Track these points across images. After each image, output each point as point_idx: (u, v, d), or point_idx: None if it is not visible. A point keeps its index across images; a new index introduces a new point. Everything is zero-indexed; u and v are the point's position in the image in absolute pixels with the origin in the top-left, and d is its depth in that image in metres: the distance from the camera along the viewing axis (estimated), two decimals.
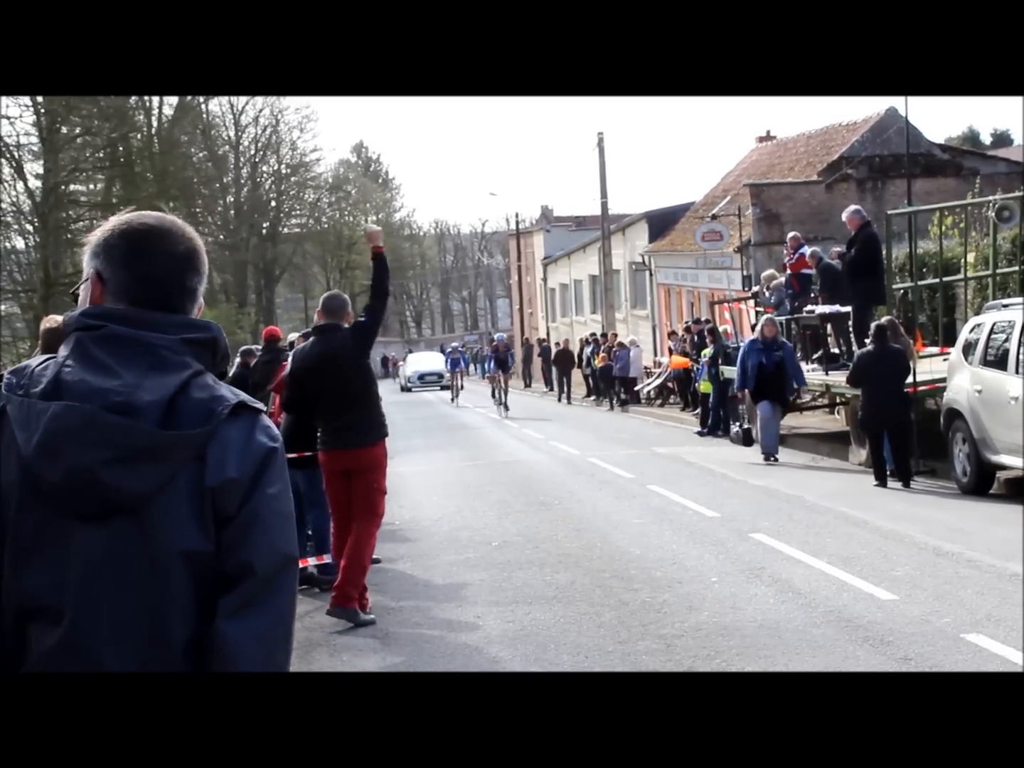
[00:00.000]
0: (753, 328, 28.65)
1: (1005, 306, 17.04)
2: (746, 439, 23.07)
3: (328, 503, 10.98)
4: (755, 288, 29.73)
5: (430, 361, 72.86)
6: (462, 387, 49.30)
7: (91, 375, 2.54)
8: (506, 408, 39.69)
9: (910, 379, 17.82)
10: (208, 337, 2.69)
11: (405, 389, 69.02)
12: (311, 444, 11.06)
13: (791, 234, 25.88)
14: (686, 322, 38.56)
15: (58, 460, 2.48)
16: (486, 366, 46.40)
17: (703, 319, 35.09)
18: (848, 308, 20.76)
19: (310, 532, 12.07)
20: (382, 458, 10.66)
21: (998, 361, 15.84)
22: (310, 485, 11.63)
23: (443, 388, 62.31)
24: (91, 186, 52.61)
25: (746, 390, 21.72)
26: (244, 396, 2.68)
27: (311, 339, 10.89)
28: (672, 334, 39.74)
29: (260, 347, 17.06)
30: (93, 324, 2.60)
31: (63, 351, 2.60)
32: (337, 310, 10.74)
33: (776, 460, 20.89)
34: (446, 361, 49.76)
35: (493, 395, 41.55)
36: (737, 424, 24.02)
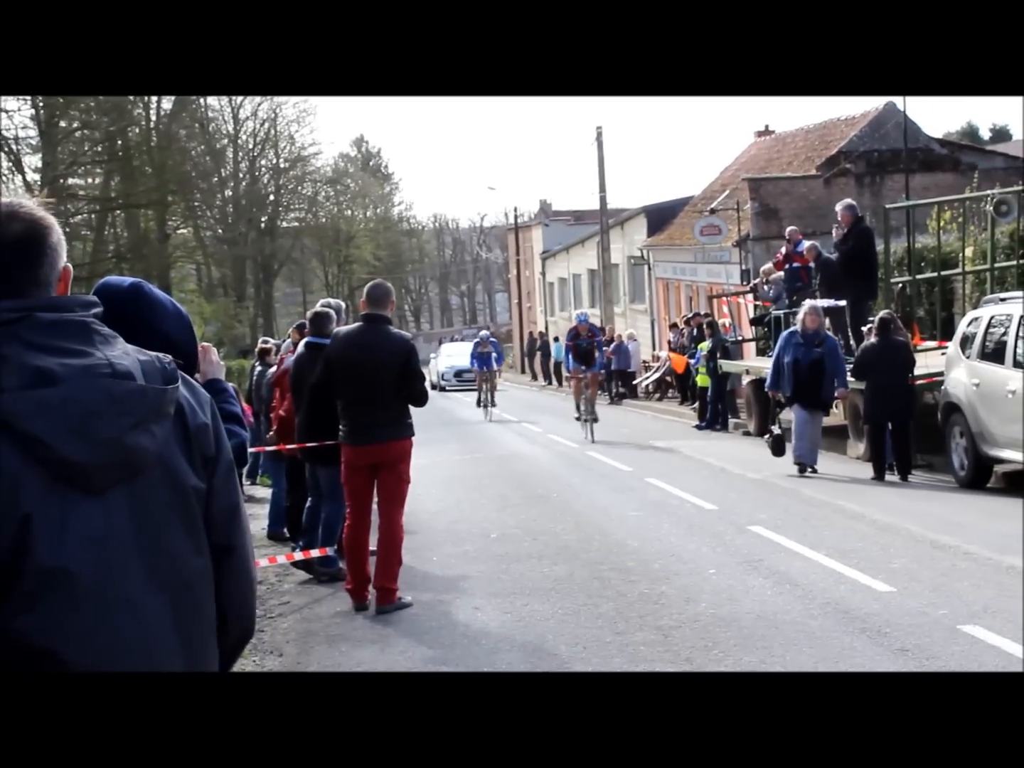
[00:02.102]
0: (755, 322, 28.71)
1: (1003, 300, 17.07)
2: (776, 446, 19.41)
3: (346, 497, 10.94)
4: (754, 282, 29.77)
5: (468, 354, 62.60)
6: (492, 401, 35.64)
7: (61, 357, 2.58)
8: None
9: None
10: (102, 310, 2.78)
11: (437, 387, 56.68)
12: (333, 434, 11.00)
13: (789, 228, 25.90)
14: (685, 316, 38.59)
15: (87, 439, 2.54)
16: (562, 366, 36.14)
17: (702, 312, 35.13)
18: (844, 302, 20.78)
19: (321, 524, 12.00)
20: (410, 450, 10.68)
21: (995, 355, 15.88)
22: (331, 477, 11.55)
23: None
24: (89, 180, 52.61)
25: (779, 391, 18.73)
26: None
27: (357, 325, 10.72)
28: (673, 326, 39.76)
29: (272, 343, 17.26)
30: (15, 317, 2.60)
31: None
32: (381, 298, 10.66)
33: (815, 471, 18.18)
34: (473, 357, 37.31)
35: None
36: (771, 430, 19.74)
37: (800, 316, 18.44)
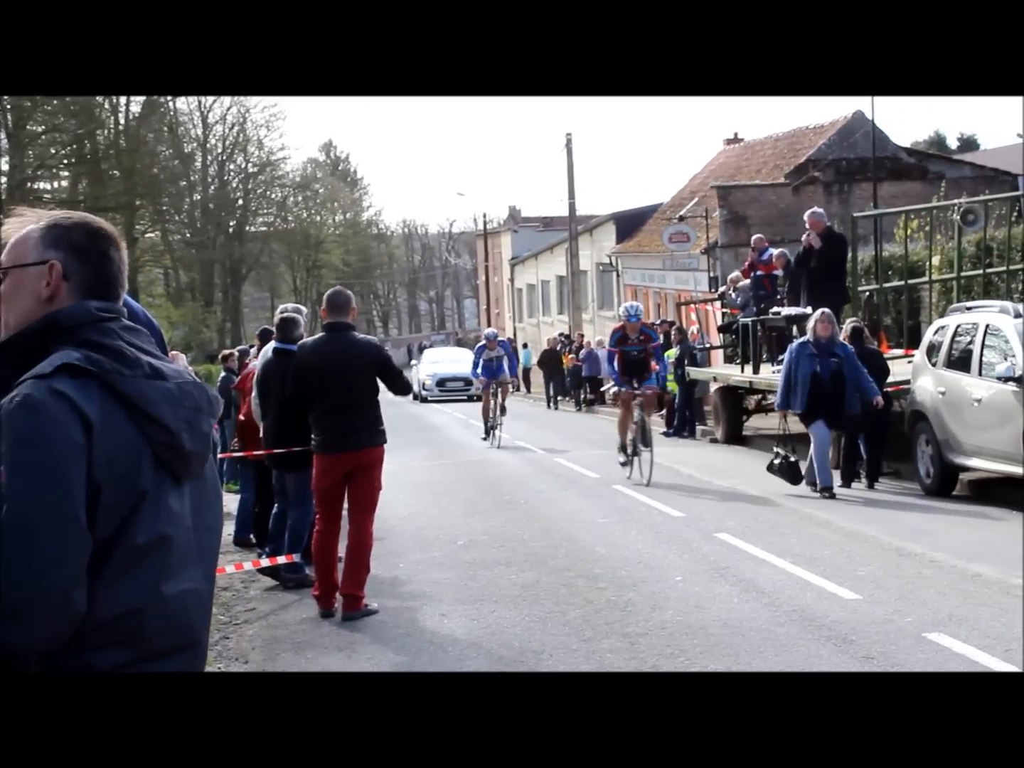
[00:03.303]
0: (723, 330, 28.72)
1: (969, 309, 17.14)
2: (792, 473, 16.92)
3: (315, 503, 10.93)
4: (722, 289, 29.82)
5: (453, 360, 53.39)
6: (501, 418, 27.00)
7: (153, 358, 2.88)
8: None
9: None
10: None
11: (419, 398, 50.04)
12: (301, 440, 11.00)
13: (755, 236, 25.97)
14: (652, 322, 38.60)
15: (196, 431, 2.86)
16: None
17: (669, 320, 35.20)
18: (810, 310, 20.80)
19: (288, 530, 11.96)
20: (383, 456, 10.68)
21: (962, 363, 15.95)
22: (299, 484, 11.54)
23: (472, 398, 45.60)
24: (57, 183, 52.38)
25: (789, 409, 16.95)
26: None
27: (321, 335, 10.73)
28: None
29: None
30: (109, 316, 2.87)
31: (94, 336, 2.81)
32: (343, 306, 10.65)
33: (834, 496, 16.34)
34: (477, 365, 27.87)
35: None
36: (777, 454, 17.26)
37: (811, 324, 17.01)
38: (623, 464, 19.22)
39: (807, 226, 20.59)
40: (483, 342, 28.88)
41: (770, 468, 17.26)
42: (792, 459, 16.96)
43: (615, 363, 19.35)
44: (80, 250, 2.89)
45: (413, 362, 56.56)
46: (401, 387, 10.75)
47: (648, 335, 19.55)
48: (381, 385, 10.60)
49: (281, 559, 11.73)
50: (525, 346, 54.06)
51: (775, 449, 17.39)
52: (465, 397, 48.03)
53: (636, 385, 19.07)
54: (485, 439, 26.97)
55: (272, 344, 12.19)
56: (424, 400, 49.43)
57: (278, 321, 12.26)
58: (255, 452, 12.60)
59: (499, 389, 27.30)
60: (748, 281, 25.20)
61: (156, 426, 2.75)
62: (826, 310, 17.15)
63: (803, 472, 16.81)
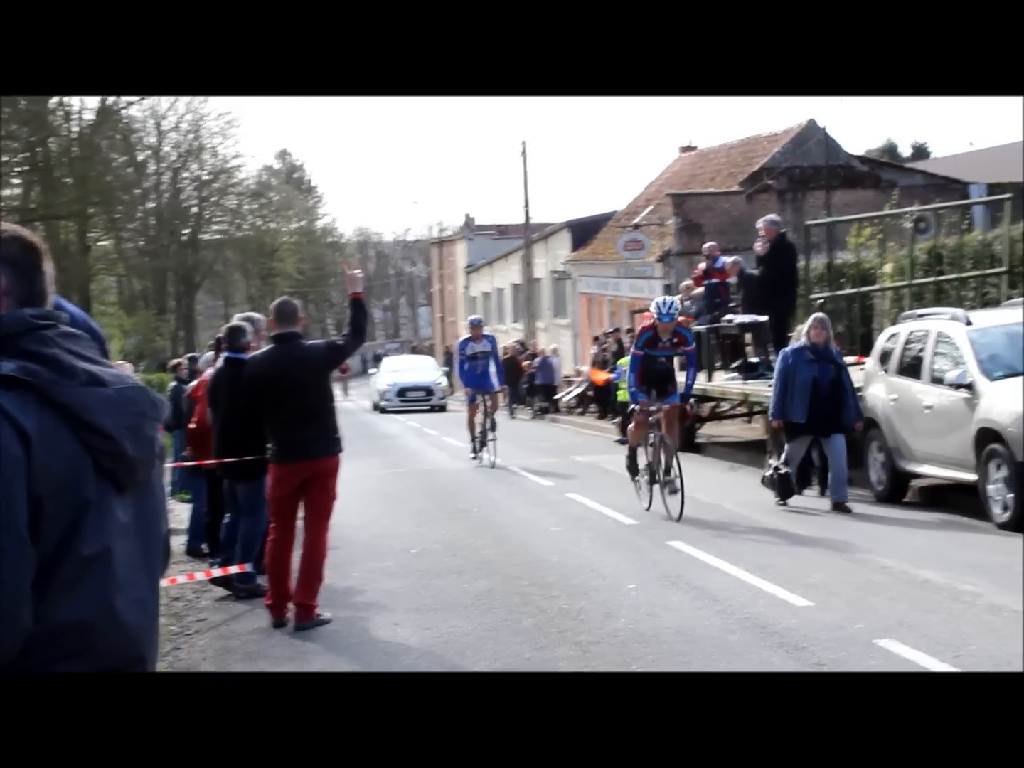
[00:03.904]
0: None
1: (921, 316, 17.25)
2: (784, 487, 16.09)
3: (270, 514, 10.89)
4: (676, 297, 29.89)
5: (415, 369, 51.18)
6: (492, 433, 22.97)
7: (93, 364, 2.83)
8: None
9: None
10: None
11: (378, 409, 48.78)
12: (251, 449, 10.98)
13: (707, 244, 26.06)
14: (604, 330, 38.74)
15: (139, 437, 2.82)
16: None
17: (622, 328, 35.29)
18: (766, 318, 20.91)
19: (239, 540, 11.91)
20: (338, 465, 10.67)
21: (913, 370, 16.04)
22: (250, 493, 11.51)
23: (434, 408, 46.22)
24: (8, 191, 51.99)
25: (784, 419, 16.02)
26: None
27: (269, 347, 10.72)
28: (596, 339, 39.91)
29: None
30: (46, 324, 2.82)
31: (31, 346, 2.77)
32: (291, 315, 10.65)
33: (850, 511, 15.51)
34: (463, 366, 23.65)
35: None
36: (770, 466, 16.46)
37: (804, 329, 16.40)
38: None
39: (760, 234, 20.69)
40: (466, 335, 24.83)
41: (763, 481, 16.55)
42: (783, 471, 16.10)
43: (636, 373, 15.82)
44: (16, 263, 2.87)
45: (372, 371, 54.67)
46: (354, 340, 10.83)
47: (683, 336, 16.09)
48: (337, 392, 10.59)
49: (233, 569, 11.67)
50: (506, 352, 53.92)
51: (769, 461, 16.69)
52: (427, 407, 46.62)
53: (655, 397, 15.89)
54: (473, 458, 23.29)
55: (224, 354, 12.17)
56: (383, 411, 47.35)
57: (226, 331, 12.24)
58: (207, 461, 12.54)
59: (486, 401, 23.29)
60: (702, 289, 25.27)
61: (96, 434, 2.72)
62: (820, 315, 16.68)
63: (795, 486, 16.16)
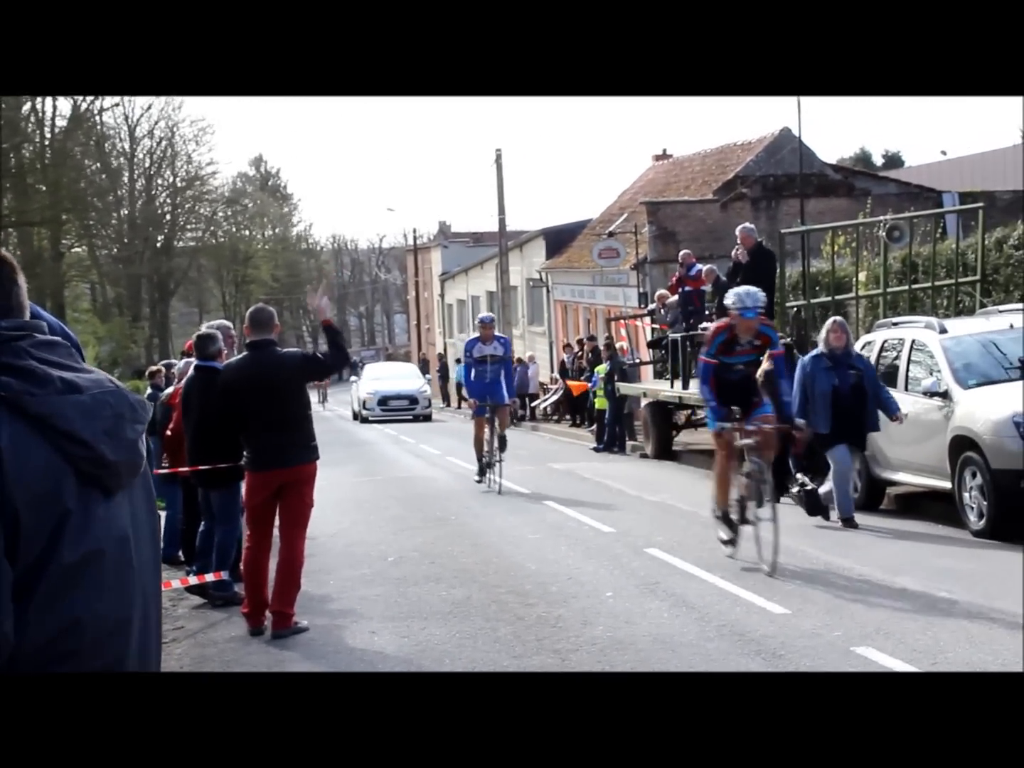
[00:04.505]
0: (653, 345, 28.79)
1: (895, 324, 17.31)
2: (812, 503, 15.14)
3: (246, 521, 10.87)
4: (651, 305, 29.97)
5: (397, 376, 48.79)
6: (500, 453, 20.12)
7: (70, 372, 2.81)
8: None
9: None
10: None
11: (359, 418, 46.56)
12: (223, 457, 10.97)
13: (683, 251, 26.11)
14: (579, 338, 38.80)
15: (119, 441, 2.80)
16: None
17: (596, 336, 35.36)
18: None
19: (215, 548, 11.88)
20: (315, 473, 10.64)
21: (888, 378, 16.08)
22: (224, 501, 11.51)
23: (417, 418, 44.59)
24: None
25: (807, 428, 13.86)
26: None
27: (244, 354, 10.68)
28: (567, 347, 39.97)
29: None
30: (20, 335, 2.80)
31: (4, 358, 2.75)
32: (266, 323, 10.62)
33: (856, 526, 14.80)
34: (468, 371, 20.57)
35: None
36: (796, 480, 15.38)
37: (823, 335, 15.50)
38: (727, 542, 13.14)
39: (738, 241, 20.73)
40: (475, 334, 21.54)
41: (789, 495, 15.54)
42: (810, 487, 15.15)
43: (709, 383, 12.92)
44: None
45: (353, 378, 52.00)
46: (336, 360, 10.76)
47: (767, 337, 12.95)
48: (314, 399, 10.57)
49: (209, 577, 11.65)
50: (459, 361, 53.85)
51: (796, 475, 15.60)
52: (410, 417, 44.82)
53: (742, 417, 13.00)
54: (479, 481, 20.56)
55: (193, 362, 12.17)
56: (364, 420, 45.29)
57: (195, 339, 12.21)
58: (181, 469, 12.51)
59: (496, 415, 20.13)
60: (676, 297, 25.33)
61: (72, 442, 2.70)
62: (838, 318, 15.92)
63: (823, 502, 15.09)
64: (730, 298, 12.91)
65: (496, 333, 20.65)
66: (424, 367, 60.96)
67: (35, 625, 2.61)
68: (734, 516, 12.98)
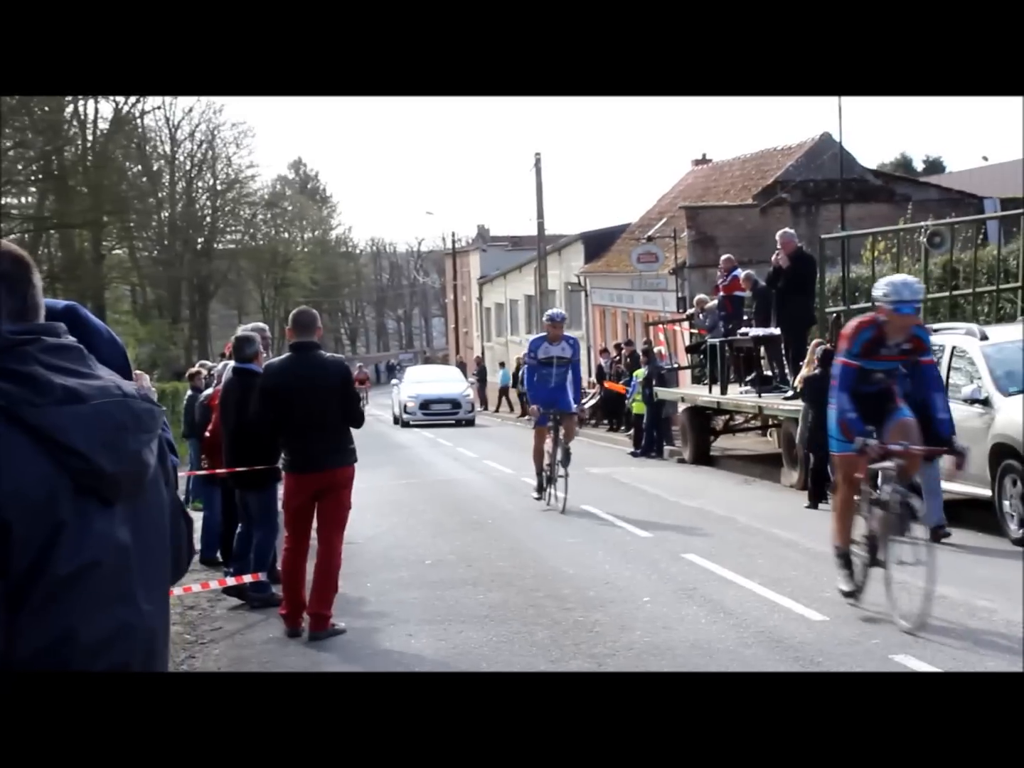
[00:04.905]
0: (691, 350, 28.75)
1: (935, 331, 17.19)
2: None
3: (284, 524, 10.90)
4: (690, 310, 29.91)
5: (439, 379, 47.10)
6: (564, 468, 17.99)
7: (76, 378, 2.75)
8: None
9: None
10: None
11: (400, 422, 44.97)
12: (260, 459, 11.01)
13: (724, 256, 26.04)
14: (616, 343, 38.79)
15: (118, 451, 2.73)
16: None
17: (633, 341, 35.35)
18: (779, 331, 20.88)
19: (253, 549, 11.92)
20: (353, 476, 10.66)
21: None
22: (261, 503, 11.57)
23: (460, 423, 43.08)
24: (23, 199, 52.18)
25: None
26: None
27: (287, 355, 10.66)
28: (604, 351, 39.96)
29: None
30: (28, 339, 2.75)
31: (8, 364, 2.70)
32: (309, 325, 10.60)
33: (949, 534, 13.74)
34: (532, 375, 18.28)
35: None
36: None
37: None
38: (847, 593, 10.95)
39: (778, 245, 20.66)
40: (541, 334, 19.32)
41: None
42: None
43: (843, 400, 10.61)
44: (8, 279, 2.82)
45: (394, 381, 50.33)
46: (355, 415, 10.60)
47: (920, 341, 10.74)
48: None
49: (247, 578, 11.69)
50: (502, 365, 53.79)
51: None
52: (452, 422, 43.19)
53: (880, 434, 10.66)
54: (538, 498, 18.62)
55: (231, 364, 12.21)
56: (406, 424, 43.66)
57: (233, 341, 12.24)
58: (218, 470, 12.56)
59: (560, 424, 18.24)
60: (715, 302, 25.28)
61: (68, 453, 2.65)
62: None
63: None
64: (881, 288, 10.68)
65: (564, 333, 18.50)
66: (462, 371, 60.87)
67: (27, 635, 2.57)
68: (857, 558, 10.88)
